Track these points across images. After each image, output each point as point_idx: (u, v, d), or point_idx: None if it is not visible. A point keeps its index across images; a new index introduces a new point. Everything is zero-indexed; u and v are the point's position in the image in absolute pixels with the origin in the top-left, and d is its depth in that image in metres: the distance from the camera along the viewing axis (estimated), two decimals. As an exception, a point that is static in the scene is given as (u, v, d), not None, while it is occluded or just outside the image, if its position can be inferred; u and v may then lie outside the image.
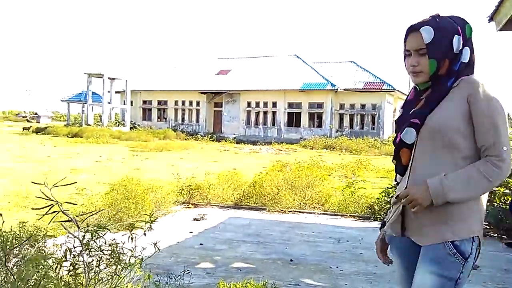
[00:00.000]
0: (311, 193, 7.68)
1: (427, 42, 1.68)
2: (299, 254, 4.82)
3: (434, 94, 1.73)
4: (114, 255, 1.76)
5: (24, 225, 2.28)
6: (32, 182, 1.83)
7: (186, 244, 5.20)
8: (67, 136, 29.00)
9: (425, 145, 1.72)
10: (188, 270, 2.68)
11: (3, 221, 1.95)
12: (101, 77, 36.15)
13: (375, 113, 32.07)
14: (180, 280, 2.31)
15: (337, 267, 4.41)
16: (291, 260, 4.58)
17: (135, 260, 2.32)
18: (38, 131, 33.03)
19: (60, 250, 1.82)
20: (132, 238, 1.99)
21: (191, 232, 5.75)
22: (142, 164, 14.91)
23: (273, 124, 34.91)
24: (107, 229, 1.86)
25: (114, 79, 37.74)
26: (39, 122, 63.90)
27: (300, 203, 7.52)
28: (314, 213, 7.25)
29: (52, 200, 1.64)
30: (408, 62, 1.76)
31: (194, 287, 3.63)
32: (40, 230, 1.88)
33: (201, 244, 5.16)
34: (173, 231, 5.74)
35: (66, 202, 1.78)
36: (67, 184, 1.79)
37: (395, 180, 1.89)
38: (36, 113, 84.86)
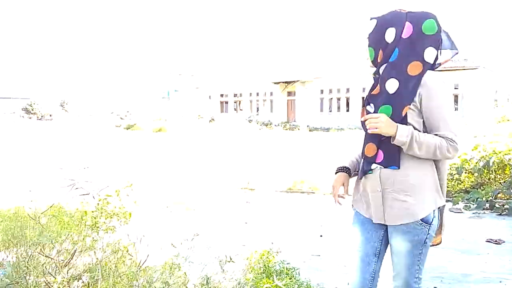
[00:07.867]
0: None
1: (369, 32, 2.00)
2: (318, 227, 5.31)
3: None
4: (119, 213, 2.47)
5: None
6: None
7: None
8: (153, 131, 31.50)
9: None
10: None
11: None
12: (184, 75, 38.54)
13: (458, 93, 30.43)
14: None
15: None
16: (319, 235, 5.10)
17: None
18: (128, 127, 36.17)
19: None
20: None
21: (238, 210, 6.48)
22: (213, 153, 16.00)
23: (347, 110, 34.63)
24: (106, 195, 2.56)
25: (194, 76, 40.03)
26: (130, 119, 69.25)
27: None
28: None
29: (73, 180, 2.38)
30: None
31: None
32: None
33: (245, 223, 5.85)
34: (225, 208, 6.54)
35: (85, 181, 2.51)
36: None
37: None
38: (128, 111, 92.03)
